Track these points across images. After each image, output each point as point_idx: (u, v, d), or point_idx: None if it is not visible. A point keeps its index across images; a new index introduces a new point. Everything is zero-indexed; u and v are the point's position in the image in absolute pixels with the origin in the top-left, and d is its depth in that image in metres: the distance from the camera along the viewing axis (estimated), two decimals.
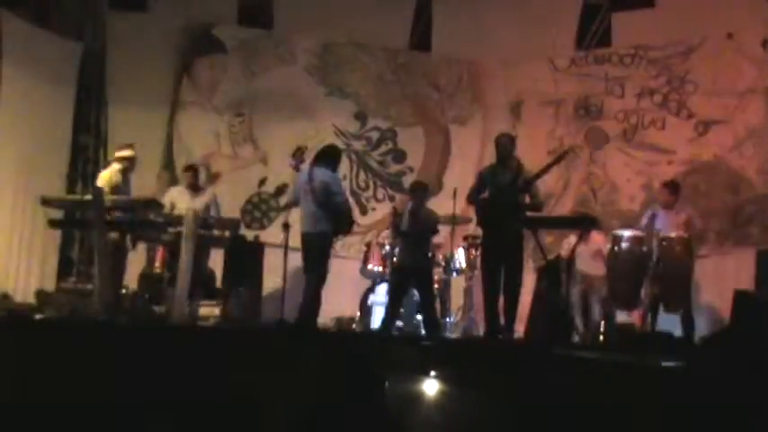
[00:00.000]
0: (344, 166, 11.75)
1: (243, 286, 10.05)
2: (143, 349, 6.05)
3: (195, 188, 10.62)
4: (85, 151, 11.43)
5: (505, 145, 9.35)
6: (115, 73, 11.70)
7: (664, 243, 9.32)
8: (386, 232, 10.58)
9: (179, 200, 10.36)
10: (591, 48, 11.94)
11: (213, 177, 11.98)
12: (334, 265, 10.15)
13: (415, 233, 9.30)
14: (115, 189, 9.57)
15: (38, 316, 7.91)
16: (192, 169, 10.81)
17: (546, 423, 5.42)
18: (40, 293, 9.46)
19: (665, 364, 6.12)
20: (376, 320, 10.07)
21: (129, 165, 9.88)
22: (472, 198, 9.41)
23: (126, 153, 9.88)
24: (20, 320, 7.46)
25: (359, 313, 10.39)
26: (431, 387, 5.81)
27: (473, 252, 10.35)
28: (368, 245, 10.74)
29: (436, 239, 9.87)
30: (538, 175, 9.21)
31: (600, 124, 11.80)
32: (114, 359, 5.83)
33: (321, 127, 12.29)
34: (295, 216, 9.70)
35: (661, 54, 11.48)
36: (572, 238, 9.48)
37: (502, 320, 8.98)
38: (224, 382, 5.65)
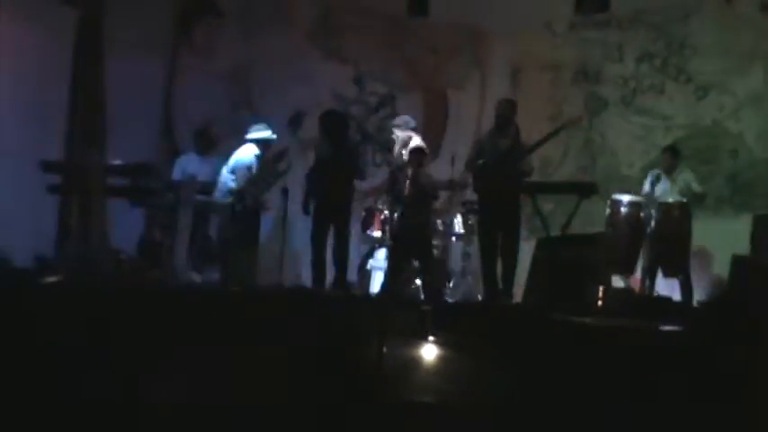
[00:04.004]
0: None
1: (241, 251, 10.05)
2: (142, 313, 6.09)
3: (205, 153, 10.62)
4: (83, 116, 11.36)
5: (505, 110, 9.34)
6: (113, 36, 11.61)
7: (662, 208, 9.37)
8: (384, 197, 10.54)
9: (188, 167, 10.37)
10: (589, 12, 11.85)
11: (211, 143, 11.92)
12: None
13: (414, 198, 9.30)
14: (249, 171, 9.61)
15: (38, 280, 7.90)
16: (204, 134, 10.81)
17: (544, 388, 5.44)
18: (39, 259, 9.46)
19: (663, 328, 6.15)
20: (375, 285, 10.09)
21: (264, 147, 9.87)
22: (471, 165, 9.40)
23: (262, 134, 9.93)
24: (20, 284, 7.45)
25: (357, 277, 10.40)
26: (429, 351, 5.84)
27: (471, 217, 10.34)
28: (367, 210, 10.69)
29: (434, 205, 9.88)
30: (537, 145, 9.22)
31: (598, 90, 11.74)
32: (114, 323, 5.86)
33: (319, 92, 12.23)
34: (292, 181, 9.78)
35: (660, 18, 11.39)
36: None
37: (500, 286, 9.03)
38: (223, 346, 5.68)
